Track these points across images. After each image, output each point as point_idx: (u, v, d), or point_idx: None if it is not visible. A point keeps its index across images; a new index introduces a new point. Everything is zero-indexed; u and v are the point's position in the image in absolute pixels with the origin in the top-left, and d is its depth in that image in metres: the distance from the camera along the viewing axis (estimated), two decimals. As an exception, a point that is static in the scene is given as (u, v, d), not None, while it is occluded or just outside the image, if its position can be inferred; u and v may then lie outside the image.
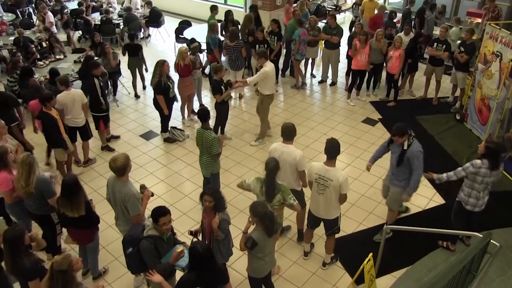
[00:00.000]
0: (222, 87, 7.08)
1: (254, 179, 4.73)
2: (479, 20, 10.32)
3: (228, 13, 9.81)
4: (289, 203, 4.58)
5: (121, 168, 4.27)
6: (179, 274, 3.99)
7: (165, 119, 7.65)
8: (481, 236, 4.09)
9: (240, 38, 8.91)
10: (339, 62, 9.92)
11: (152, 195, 4.60)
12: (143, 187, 4.58)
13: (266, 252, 4.14)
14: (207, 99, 9.22)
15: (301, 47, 9.09)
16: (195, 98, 8.64)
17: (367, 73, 8.99)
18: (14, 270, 3.80)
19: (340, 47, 9.54)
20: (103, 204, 5.11)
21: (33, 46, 9.53)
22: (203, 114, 5.64)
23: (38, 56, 9.36)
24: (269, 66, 7.17)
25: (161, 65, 7.11)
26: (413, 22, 10.70)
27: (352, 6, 10.12)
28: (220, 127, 7.65)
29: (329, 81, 10.03)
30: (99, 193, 6.23)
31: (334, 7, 11.66)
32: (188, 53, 7.85)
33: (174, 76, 7.78)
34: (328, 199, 4.72)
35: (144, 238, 3.86)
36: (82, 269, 4.58)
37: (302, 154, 4.97)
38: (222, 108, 7.38)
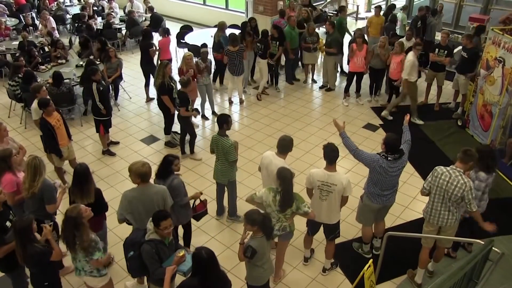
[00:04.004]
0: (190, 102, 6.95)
1: (266, 190, 4.51)
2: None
3: (249, 21, 9.87)
4: (303, 211, 4.44)
5: (149, 172, 4.33)
6: (179, 279, 3.97)
7: (169, 120, 7.64)
8: (483, 243, 4.06)
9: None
10: (336, 69, 9.98)
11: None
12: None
13: (265, 260, 4.12)
14: (217, 107, 9.16)
15: None
16: (207, 105, 8.64)
17: (366, 77, 8.97)
18: (26, 259, 3.87)
19: (339, 55, 9.62)
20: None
21: (35, 50, 9.58)
22: (221, 120, 5.50)
23: (40, 60, 9.40)
24: (411, 55, 7.95)
25: (164, 67, 7.18)
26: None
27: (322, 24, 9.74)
28: (190, 146, 7.42)
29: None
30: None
31: (336, 13, 11.63)
32: (194, 59, 7.88)
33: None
34: (331, 204, 4.70)
35: (146, 242, 3.85)
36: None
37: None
38: (186, 120, 7.18)
